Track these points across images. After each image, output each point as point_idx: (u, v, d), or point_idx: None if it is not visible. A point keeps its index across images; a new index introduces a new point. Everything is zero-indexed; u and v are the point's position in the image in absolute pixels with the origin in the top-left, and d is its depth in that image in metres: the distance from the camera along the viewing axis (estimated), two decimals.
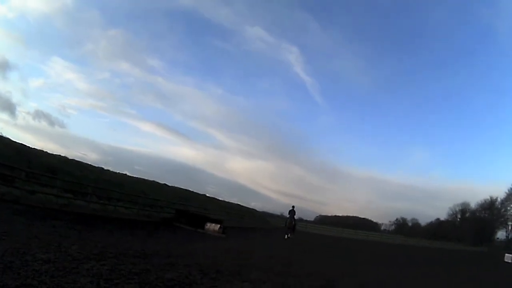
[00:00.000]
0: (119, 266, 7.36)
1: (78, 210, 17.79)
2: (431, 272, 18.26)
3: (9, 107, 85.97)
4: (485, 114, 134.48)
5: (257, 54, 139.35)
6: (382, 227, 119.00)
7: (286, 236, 27.78)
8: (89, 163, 30.63)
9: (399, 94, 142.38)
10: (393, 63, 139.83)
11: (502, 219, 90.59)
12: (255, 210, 62.79)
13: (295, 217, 29.36)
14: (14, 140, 23.21)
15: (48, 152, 26.28)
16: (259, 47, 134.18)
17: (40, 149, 26.19)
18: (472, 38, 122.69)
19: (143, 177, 37.69)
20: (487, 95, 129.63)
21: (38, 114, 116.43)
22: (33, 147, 24.98)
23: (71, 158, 28.86)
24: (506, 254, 36.47)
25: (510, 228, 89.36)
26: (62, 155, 28.26)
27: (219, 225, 22.58)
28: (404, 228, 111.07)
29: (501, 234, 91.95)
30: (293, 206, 28.75)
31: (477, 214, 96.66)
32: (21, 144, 23.32)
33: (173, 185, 40.25)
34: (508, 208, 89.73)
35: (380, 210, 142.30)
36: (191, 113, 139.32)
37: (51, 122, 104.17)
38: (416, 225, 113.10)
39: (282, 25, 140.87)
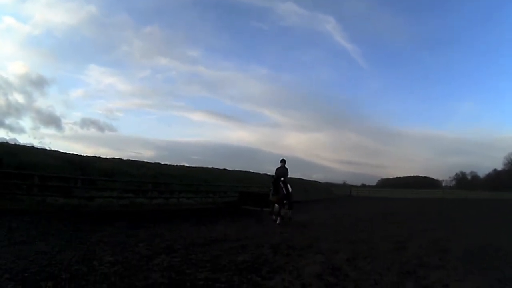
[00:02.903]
0: (190, 256, 7.48)
1: (141, 208, 18.30)
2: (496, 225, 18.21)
3: (54, 121, 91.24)
4: None
5: (294, 29, 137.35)
6: (444, 184, 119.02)
7: (275, 218, 15.21)
8: (145, 161, 31.69)
9: (440, 50, 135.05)
10: (431, 19, 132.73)
11: None
12: (318, 182, 63.12)
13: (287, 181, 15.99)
14: (64, 151, 24.25)
15: (102, 157, 27.25)
16: (295, 22, 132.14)
17: (93, 155, 27.10)
18: None
19: (201, 166, 38.65)
20: None
21: (86, 122, 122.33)
22: (85, 155, 26.05)
23: (126, 158, 29.74)
24: None
25: None
26: (116, 157, 29.14)
27: (284, 201, 22.14)
28: (464, 182, 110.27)
29: None
30: (283, 161, 16.02)
31: None
32: (72, 154, 24.50)
33: (233, 169, 40.99)
34: None
35: (440, 167, 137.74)
36: (239, 96, 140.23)
37: (100, 127, 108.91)
38: (475, 178, 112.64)
39: None
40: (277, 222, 14.70)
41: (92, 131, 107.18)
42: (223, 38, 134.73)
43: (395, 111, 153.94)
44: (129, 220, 13.91)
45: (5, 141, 28.02)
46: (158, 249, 8.08)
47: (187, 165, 37.70)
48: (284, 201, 15.61)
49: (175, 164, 35.22)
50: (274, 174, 16.15)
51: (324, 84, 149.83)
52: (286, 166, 15.95)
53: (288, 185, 15.66)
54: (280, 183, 15.31)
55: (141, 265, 6.44)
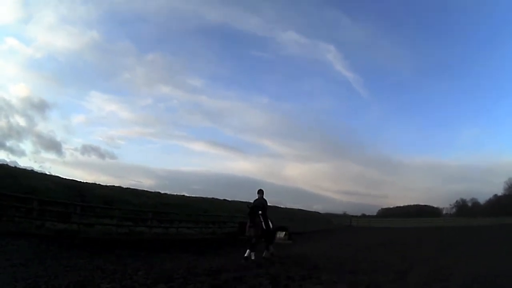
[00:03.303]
0: (188, 286, 7.44)
1: (140, 236, 18.22)
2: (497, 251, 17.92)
3: (55, 146, 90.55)
4: None
5: (295, 58, 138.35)
6: (444, 211, 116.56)
7: (249, 254, 12.49)
8: (146, 190, 31.60)
9: (441, 77, 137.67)
10: (431, 46, 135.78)
11: None
12: (318, 212, 63.88)
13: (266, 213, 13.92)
14: (64, 177, 24.27)
15: (102, 184, 27.24)
16: (296, 51, 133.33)
17: (93, 182, 27.11)
18: None
19: (202, 196, 38.34)
20: None
21: (87, 149, 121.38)
22: (85, 181, 26.01)
23: (126, 187, 29.69)
24: None
25: None
26: (116, 185, 29.13)
27: (284, 232, 23.32)
28: (465, 209, 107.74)
29: None
30: (260, 191, 14.24)
31: None
32: (72, 180, 24.44)
33: (233, 199, 40.69)
34: None
35: (440, 195, 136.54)
36: (240, 126, 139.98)
37: (101, 154, 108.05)
38: (475, 204, 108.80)
39: (314, 25, 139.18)
40: (252, 258, 12.30)
41: (93, 157, 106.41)
42: (224, 67, 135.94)
43: (396, 139, 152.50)
44: (128, 248, 13.83)
45: (5, 163, 28.10)
46: (156, 278, 7.99)
47: (188, 195, 37.67)
48: (263, 238, 13.62)
49: (176, 193, 35.02)
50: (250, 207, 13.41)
51: (325, 113, 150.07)
52: (264, 197, 14.07)
53: (269, 220, 13.76)
54: (259, 216, 13.21)
55: None
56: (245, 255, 12.33)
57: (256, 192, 14.28)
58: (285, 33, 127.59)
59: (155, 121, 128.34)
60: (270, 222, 13.87)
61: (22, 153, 70.77)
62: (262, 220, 13.30)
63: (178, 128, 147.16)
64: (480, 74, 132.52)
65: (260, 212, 13.25)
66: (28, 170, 25.88)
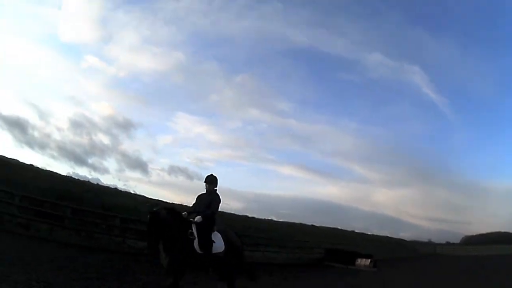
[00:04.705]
0: None
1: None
2: None
3: (141, 165, 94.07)
4: None
5: (382, 80, 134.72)
6: None
7: None
8: (233, 212, 31.60)
9: None
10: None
11: None
12: (404, 240, 61.58)
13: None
14: (150, 196, 24.69)
15: (188, 205, 27.04)
16: (382, 73, 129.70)
17: (179, 203, 27.11)
18: None
19: (289, 221, 38.34)
20: None
21: (174, 169, 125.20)
22: (171, 201, 26.13)
23: None
24: None
25: None
26: None
27: (369, 260, 23.67)
28: None
29: None
30: (209, 180, 7.68)
31: None
32: (158, 199, 24.83)
33: (320, 225, 40.79)
34: None
35: None
36: (328, 151, 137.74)
37: (189, 175, 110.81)
38: None
39: (399, 46, 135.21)
40: None
41: (180, 178, 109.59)
42: (313, 91, 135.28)
43: (484, 163, 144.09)
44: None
45: (87, 179, 29.59)
46: None
47: (275, 219, 37.82)
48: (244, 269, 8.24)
49: (263, 217, 35.07)
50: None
51: (412, 137, 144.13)
52: (217, 190, 7.80)
53: (227, 234, 7.53)
54: (194, 228, 6.90)
55: None
56: None
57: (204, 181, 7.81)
58: (371, 54, 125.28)
59: (244, 144, 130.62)
60: (229, 239, 7.52)
61: (105, 171, 73.90)
62: (195, 235, 6.84)
63: (267, 151, 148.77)
64: None
65: (197, 219, 7.08)
66: (111, 187, 26.99)
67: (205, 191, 7.72)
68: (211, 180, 7.71)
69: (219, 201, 7.66)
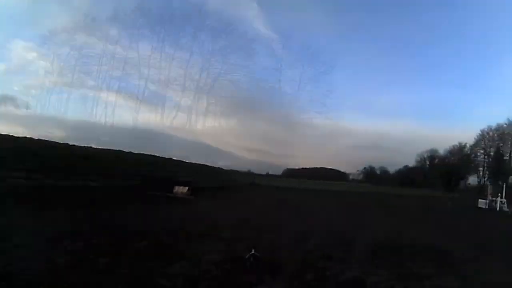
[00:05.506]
0: (92, 241, 8.05)
1: (49, 189, 18.87)
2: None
3: None
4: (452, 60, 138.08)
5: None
6: (350, 177, 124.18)
7: None
8: (55, 141, 31.01)
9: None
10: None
11: (472, 165, 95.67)
12: (222, 169, 65.47)
13: None
14: None
15: (14, 135, 26.90)
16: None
17: (6, 134, 26.74)
18: None
19: (109, 148, 38.35)
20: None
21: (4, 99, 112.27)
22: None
23: (37, 138, 29.04)
24: (479, 200, 38.05)
25: (481, 173, 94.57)
26: (27, 136, 28.35)
27: (187, 188, 24.74)
28: (373, 176, 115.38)
29: (472, 180, 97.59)
30: None
31: (446, 160, 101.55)
32: None
33: (139, 152, 40.73)
34: (478, 153, 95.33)
35: (349, 160, 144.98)
36: (153, 78, 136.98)
37: (16, 105, 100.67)
38: (384, 173, 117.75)
39: None
40: None
41: (10, 108, 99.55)
42: None
43: (309, 100, 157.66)
44: (36, 202, 14.28)
45: None
46: (63, 233, 8.55)
47: (95, 146, 37.49)
48: None
49: (84, 145, 34.59)
50: None
51: (236, 68, 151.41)
52: None
53: None
54: None
55: (47, 248, 7.19)
56: None
57: None
58: None
59: (70, 71, 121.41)
60: None
61: None
62: None
63: (91, 78, 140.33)
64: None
65: None
66: None
67: None
68: None
69: None
